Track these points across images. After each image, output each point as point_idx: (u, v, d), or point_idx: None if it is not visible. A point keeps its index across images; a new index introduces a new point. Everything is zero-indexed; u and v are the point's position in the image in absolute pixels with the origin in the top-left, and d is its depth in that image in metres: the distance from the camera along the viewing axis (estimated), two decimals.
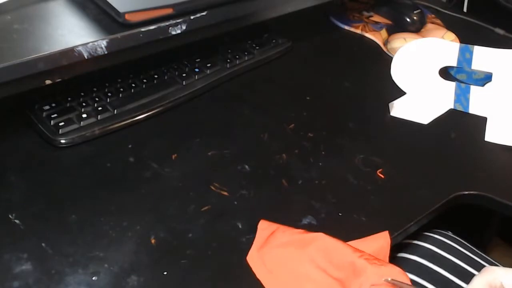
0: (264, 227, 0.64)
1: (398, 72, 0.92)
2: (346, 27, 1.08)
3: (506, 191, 0.73)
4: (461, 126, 0.85)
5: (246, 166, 0.75)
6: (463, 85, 0.88)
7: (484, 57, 0.86)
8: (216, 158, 0.76)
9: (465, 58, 0.87)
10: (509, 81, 0.85)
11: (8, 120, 0.78)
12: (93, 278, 0.58)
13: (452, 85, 0.89)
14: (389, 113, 0.86)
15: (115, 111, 0.78)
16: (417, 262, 0.74)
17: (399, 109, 0.87)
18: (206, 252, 0.63)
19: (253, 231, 0.65)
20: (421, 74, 0.91)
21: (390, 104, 0.88)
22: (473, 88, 0.87)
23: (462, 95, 0.87)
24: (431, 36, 1.02)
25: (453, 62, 0.88)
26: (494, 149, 0.81)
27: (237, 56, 0.92)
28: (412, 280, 0.72)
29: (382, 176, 0.74)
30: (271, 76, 0.93)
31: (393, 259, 0.75)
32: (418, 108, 0.88)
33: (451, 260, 0.74)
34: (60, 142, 0.74)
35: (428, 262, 0.74)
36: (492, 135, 0.83)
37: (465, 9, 1.22)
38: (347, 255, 0.58)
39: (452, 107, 0.88)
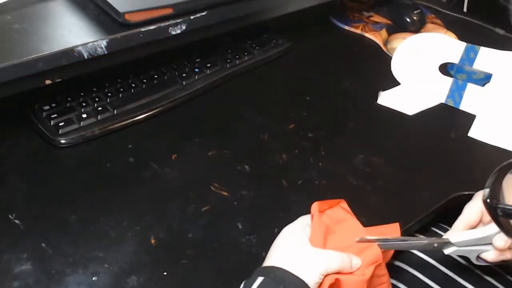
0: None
1: (398, 63, 0.92)
2: (346, 27, 1.08)
3: None
4: (460, 125, 0.85)
5: (246, 166, 0.75)
6: (460, 82, 0.88)
7: (487, 58, 0.86)
8: (216, 158, 0.76)
9: (468, 57, 0.87)
10: (507, 82, 0.85)
11: (8, 120, 0.78)
12: (93, 278, 0.58)
13: (449, 80, 0.89)
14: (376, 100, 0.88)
15: (115, 111, 0.78)
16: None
17: (386, 97, 0.88)
18: (206, 252, 0.63)
19: (253, 231, 0.65)
20: (420, 66, 0.91)
21: (379, 93, 0.88)
22: (470, 86, 0.87)
23: (456, 91, 0.88)
24: None
25: (455, 60, 0.89)
26: (494, 149, 0.81)
27: (237, 56, 0.92)
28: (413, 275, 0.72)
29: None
30: (271, 76, 0.93)
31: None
32: (407, 98, 0.88)
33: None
34: (60, 142, 0.74)
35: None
36: (476, 131, 0.83)
37: (465, 9, 1.22)
38: None
39: (444, 101, 0.89)
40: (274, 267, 0.52)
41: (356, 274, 0.56)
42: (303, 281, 0.51)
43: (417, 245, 0.61)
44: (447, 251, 0.61)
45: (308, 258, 0.53)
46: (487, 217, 0.61)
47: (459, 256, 0.67)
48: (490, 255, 0.60)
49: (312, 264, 0.53)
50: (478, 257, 0.61)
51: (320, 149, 0.78)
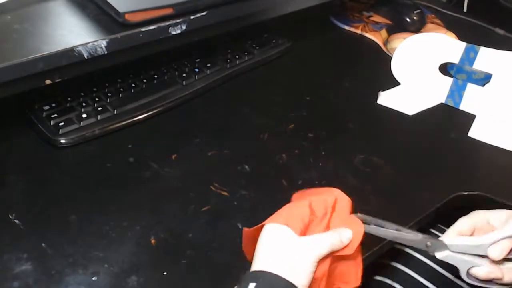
0: None
1: (398, 63, 0.93)
2: (346, 27, 1.08)
3: (506, 191, 0.73)
4: (460, 125, 0.85)
5: (246, 166, 0.75)
6: (460, 82, 0.88)
7: (487, 58, 0.86)
8: (216, 158, 0.76)
9: (468, 57, 0.87)
10: (507, 82, 0.85)
11: (8, 120, 0.78)
12: (93, 278, 0.58)
13: (449, 80, 0.89)
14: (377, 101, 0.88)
15: (115, 111, 0.78)
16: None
17: (386, 97, 0.88)
18: (206, 252, 0.63)
19: None
20: (420, 66, 0.91)
21: (379, 93, 0.89)
22: (470, 86, 0.87)
23: (456, 91, 0.88)
24: None
25: (455, 60, 0.89)
26: (494, 149, 0.81)
27: (237, 56, 0.92)
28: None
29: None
30: (271, 76, 0.93)
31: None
32: (407, 98, 0.89)
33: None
34: (60, 142, 0.74)
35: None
36: (476, 131, 0.83)
37: (465, 9, 1.22)
38: None
39: (444, 101, 0.89)
40: (263, 272, 0.52)
41: (348, 257, 0.54)
42: (292, 285, 0.50)
43: (410, 239, 0.59)
44: (439, 254, 0.59)
45: (296, 253, 0.52)
46: (479, 233, 0.60)
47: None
48: (482, 271, 0.58)
49: (301, 260, 0.52)
50: (468, 274, 0.59)
51: (320, 149, 0.78)
